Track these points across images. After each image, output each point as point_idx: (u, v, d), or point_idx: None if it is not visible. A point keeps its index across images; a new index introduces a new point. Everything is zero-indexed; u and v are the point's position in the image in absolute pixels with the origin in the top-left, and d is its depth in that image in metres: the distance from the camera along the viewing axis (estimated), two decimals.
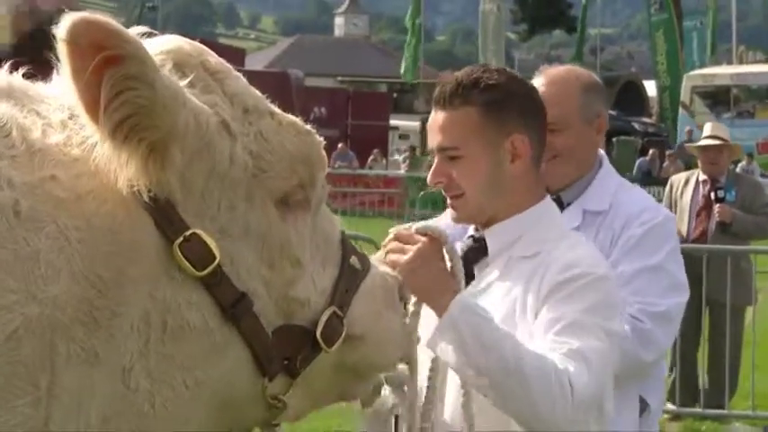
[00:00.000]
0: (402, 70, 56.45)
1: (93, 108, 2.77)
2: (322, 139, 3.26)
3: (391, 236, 4.64)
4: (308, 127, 3.23)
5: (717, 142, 16.24)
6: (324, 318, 3.10)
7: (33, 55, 3.13)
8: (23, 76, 3.09)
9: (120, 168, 2.84)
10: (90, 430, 2.90)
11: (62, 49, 2.73)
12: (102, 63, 2.72)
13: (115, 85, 2.74)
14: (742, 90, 44.22)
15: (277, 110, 3.15)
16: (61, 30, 2.70)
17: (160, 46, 3.05)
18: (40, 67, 3.19)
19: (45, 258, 2.79)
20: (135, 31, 3.06)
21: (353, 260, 3.26)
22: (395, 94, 69.36)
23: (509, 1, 72.58)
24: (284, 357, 3.08)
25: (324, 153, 3.24)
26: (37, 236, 2.80)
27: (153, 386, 2.94)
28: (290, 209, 3.09)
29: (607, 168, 6.64)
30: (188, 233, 2.90)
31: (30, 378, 2.78)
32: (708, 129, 17.26)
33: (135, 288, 2.89)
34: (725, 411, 15.59)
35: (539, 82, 6.37)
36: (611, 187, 6.48)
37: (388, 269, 3.49)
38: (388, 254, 4.43)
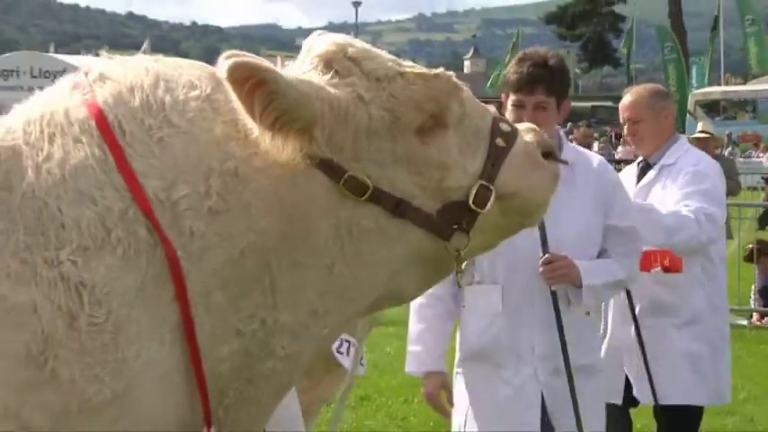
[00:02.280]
0: (488, 85, 55.03)
1: (253, 115, 2.77)
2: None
3: None
4: (436, 71, 3.07)
5: (704, 135, 16.90)
6: (473, 191, 2.99)
7: None
8: None
9: (279, 150, 2.82)
10: (316, 309, 2.92)
11: (226, 82, 2.74)
12: (251, 87, 2.72)
13: (263, 99, 2.73)
14: (728, 102, 44.02)
15: (408, 69, 3.00)
16: (222, 70, 2.72)
17: (315, 51, 2.98)
18: None
19: (254, 204, 2.81)
20: (315, 33, 3.11)
21: (499, 141, 3.08)
22: (502, 109, 68.52)
23: (575, 48, 71.80)
24: (452, 224, 2.99)
25: (453, 83, 3.08)
26: (247, 189, 2.81)
27: (353, 271, 2.94)
28: (429, 133, 2.97)
29: (682, 141, 7.03)
30: (346, 176, 2.86)
31: (256, 278, 2.83)
32: (699, 126, 18.21)
33: (320, 217, 2.87)
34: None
35: (627, 95, 6.89)
36: (680, 151, 6.75)
37: (530, 136, 3.23)
38: None
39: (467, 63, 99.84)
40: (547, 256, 5.13)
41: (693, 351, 6.46)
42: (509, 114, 5.27)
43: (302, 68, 2.97)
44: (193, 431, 2.80)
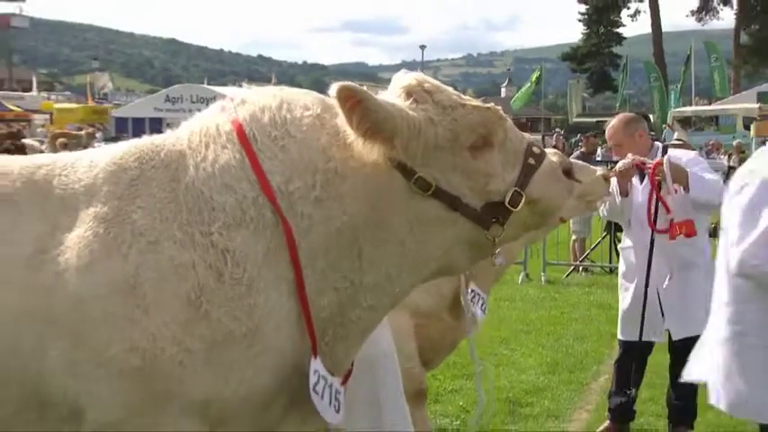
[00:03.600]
0: (512, 102, 53.45)
1: (351, 125, 2.75)
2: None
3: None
4: (488, 105, 3.02)
5: (679, 142, 16.56)
6: (508, 194, 2.93)
7: None
8: None
9: (368, 153, 2.80)
10: (390, 273, 2.91)
11: (335, 99, 2.73)
12: (353, 104, 2.71)
13: (359, 114, 2.72)
14: (697, 118, 43.36)
15: (467, 102, 2.97)
16: (332, 92, 2.73)
17: (402, 83, 2.96)
18: None
19: (348, 194, 2.81)
20: (402, 71, 3.07)
21: (531, 160, 3.01)
22: (529, 123, 67.13)
23: (584, 78, 70.55)
24: (491, 218, 2.92)
25: (500, 114, 3.04)
26: (343, 184, 2.81)
27: (418, 247, 2.90)
28: (479, 150, 2.91)
29: (657, 145, 6.61)
30: (416, 176, 2.82)
31: (348, 249, 2.83)
32: (675, 135, 18.13)
33: (395, 206, 2.86)
34: None
35: (608, 126, 6.64)
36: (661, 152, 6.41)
37: (554, 159, 3.18)
38: None
39: (503, 90, 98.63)
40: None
41: (706, 293, 6.33)
42: None
43: (391, 96, 2.94)
44: (302, 359, 2.83)
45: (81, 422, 2.69)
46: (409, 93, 2.91)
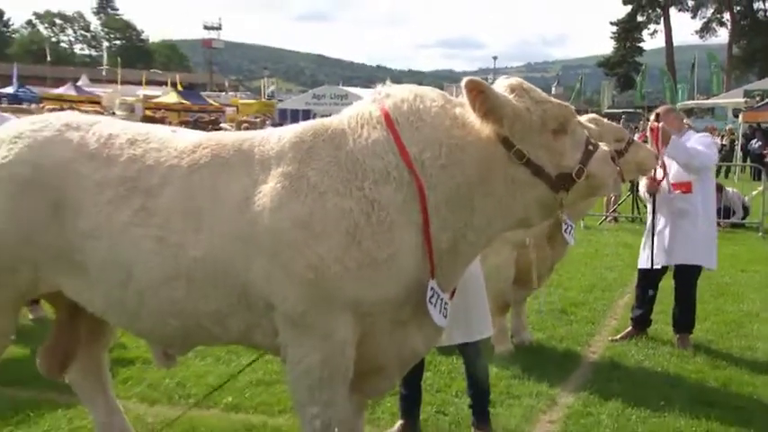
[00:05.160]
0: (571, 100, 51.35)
1: (474, 108, 2.71)
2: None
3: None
4: (566, 104, 2.94)
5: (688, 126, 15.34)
6: (575, 169, 2.85)
7: None
8: None
9: (482, 129, 2.77)
10: (490, 220, 2.87)
11: (463, 89, 2.71)
12: (475, 93, 2.68)
13: (481, 100, 2.69)
14: (698, 109, 41.49)
15: (552, 99, 2.89)
16: (462, 84, 2.70)
17: (506, 83, 2.90)
18: None
19: (465, 161, 2.78)
20: (503, 77, 2.99)
21: (590, 146, 2.92)
22: None
23: (614, 80, 67.72)
24: (561, 185, 2.85)
25: (573, 111, 2.94)
26: (462, 153, 2.77)
27: (510, 202, 2.85)
28: (558, 133, 2.84)
29: (688, 131, 6.21)
30: (514, 149, 2.77)
31: (464, 200, 2.79)
32: (684, 121, 16.58)
33: (497, 170, 2.80)
34: None
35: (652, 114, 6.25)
36: (689, 135, 6.10)
37: (606, 148, 3.03)
38: None
39: (553, 89, 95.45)
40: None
41: (704, 235, 6.05)
42: None
43: (499, 91, 2.85)
44: (424, 278, 2.82)
45: (273, 313, 2.79)
46: (512, 89, 2.86)
